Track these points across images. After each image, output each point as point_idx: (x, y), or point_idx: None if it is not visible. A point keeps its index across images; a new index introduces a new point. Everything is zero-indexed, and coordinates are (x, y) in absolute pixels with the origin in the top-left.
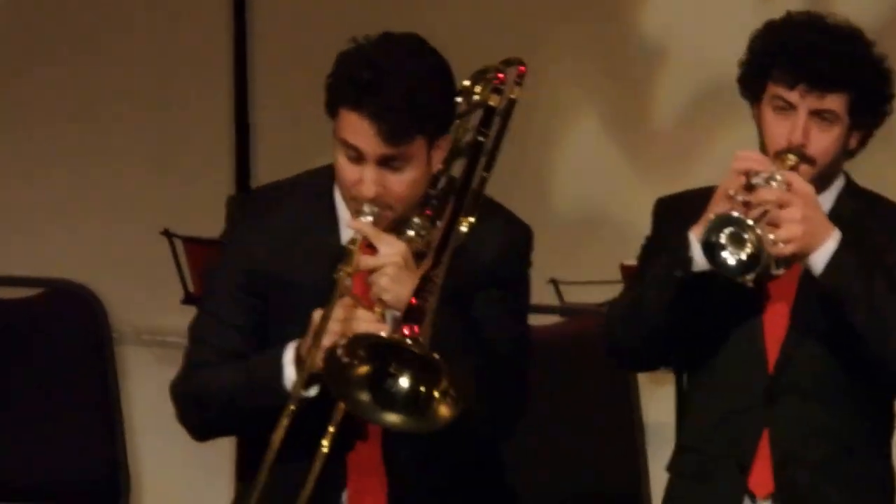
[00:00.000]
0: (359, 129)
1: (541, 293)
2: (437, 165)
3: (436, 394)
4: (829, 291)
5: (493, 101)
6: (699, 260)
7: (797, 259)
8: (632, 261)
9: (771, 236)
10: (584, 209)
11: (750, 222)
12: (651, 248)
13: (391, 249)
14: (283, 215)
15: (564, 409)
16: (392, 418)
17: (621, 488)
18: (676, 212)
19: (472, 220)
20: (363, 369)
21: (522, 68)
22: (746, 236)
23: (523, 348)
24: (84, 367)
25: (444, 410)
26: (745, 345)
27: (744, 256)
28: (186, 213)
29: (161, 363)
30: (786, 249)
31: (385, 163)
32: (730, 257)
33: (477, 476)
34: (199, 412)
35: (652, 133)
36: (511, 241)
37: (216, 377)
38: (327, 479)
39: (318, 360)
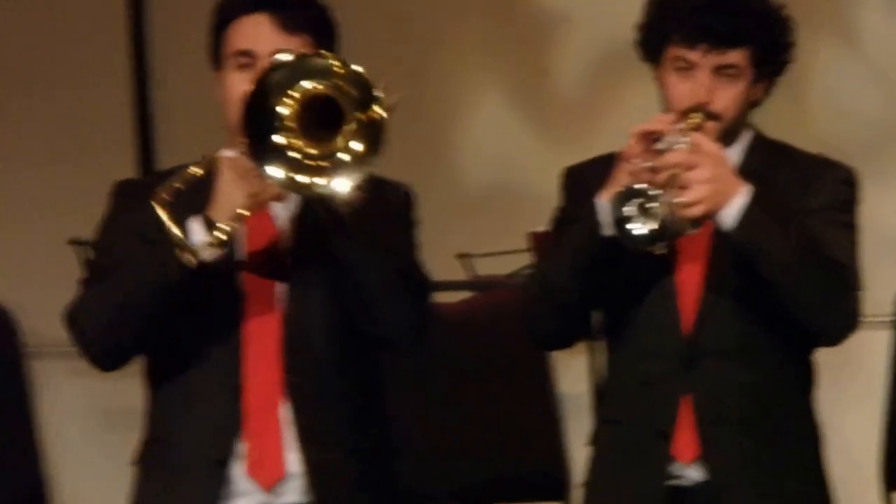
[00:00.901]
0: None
1: (450, 268)
2: None
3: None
4: (742, 247)
5: None
6: (607, 224)
7: (708, 218)
8: (540, 229)
9: (680, 199)
10: (490, 179)
11: (657, 191)
12: (561, 220)
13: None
14: None
15: (479, 385)
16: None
17: (541, 463)
18: (584, 181)
19: None
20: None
21: None
22: (654, 205)
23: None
24: None
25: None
26: (659, 309)
27: (654, 226)
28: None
29: (78, 375)
30: (695, 211)
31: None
32: (639, 228)
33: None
34: (97, 312)
35: (556, 99)
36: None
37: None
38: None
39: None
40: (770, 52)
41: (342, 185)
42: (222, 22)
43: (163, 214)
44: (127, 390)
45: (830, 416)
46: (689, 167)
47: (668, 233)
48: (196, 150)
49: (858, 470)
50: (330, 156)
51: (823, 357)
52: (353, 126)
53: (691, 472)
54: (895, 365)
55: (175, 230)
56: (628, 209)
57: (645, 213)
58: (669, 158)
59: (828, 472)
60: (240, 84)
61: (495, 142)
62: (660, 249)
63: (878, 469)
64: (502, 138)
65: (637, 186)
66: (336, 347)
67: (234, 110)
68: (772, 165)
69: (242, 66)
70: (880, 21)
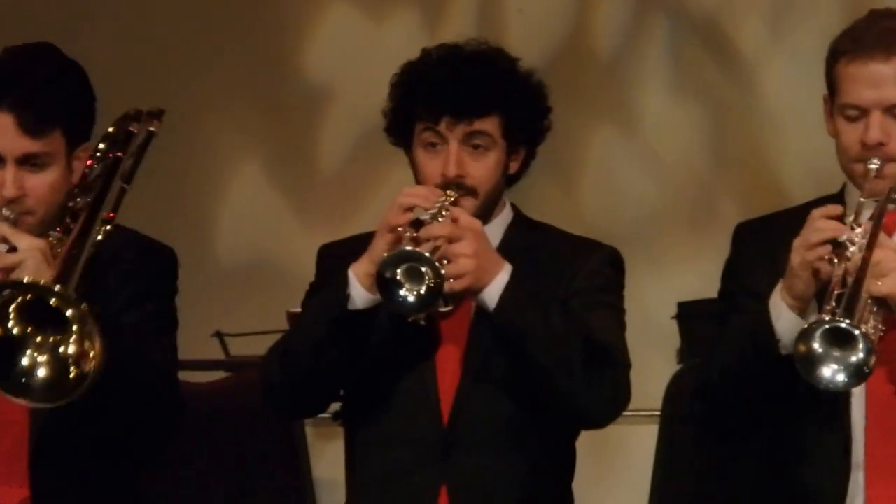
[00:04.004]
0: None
1: (206, 347)
2: (77, 175)
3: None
4: (504, 328)
5: (134, 127)
6: (358, 297)
7: (469, 295)
8: (298, 308)
9: (445, 271)
10: (248, 257)
11: (427, 255)
12: (313, 292)
13: (30, 244)
14: None
15: (231, 467)
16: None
17: None
18: (338, 257)
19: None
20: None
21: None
22: (423, 270)
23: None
24: None
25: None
26: (416, 393)
27: (421, 291)
28: None
29: None
30: (457, 285)
31: (25, 161)
32: (408, 294)
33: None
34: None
35: (316, 177)
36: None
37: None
38: None
39: None
40: (520, 118)
41: None
42: None
43: None
44: None
45: None
46: (453, 240)
47: (436, 300)
48: None
49: None
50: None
51: (587, 451)
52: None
53: None
54: (661, 458)
55: None
56: (396, 272)
57: (412, 277)
58: (432, 229)
59: None
60: None
61: (255, 219)
62: (420, 319)
63: None
64: (262, 216)
65: (411, 249)
66: None
67: None
68: (533, 245)
69: None
70: (661, 106)
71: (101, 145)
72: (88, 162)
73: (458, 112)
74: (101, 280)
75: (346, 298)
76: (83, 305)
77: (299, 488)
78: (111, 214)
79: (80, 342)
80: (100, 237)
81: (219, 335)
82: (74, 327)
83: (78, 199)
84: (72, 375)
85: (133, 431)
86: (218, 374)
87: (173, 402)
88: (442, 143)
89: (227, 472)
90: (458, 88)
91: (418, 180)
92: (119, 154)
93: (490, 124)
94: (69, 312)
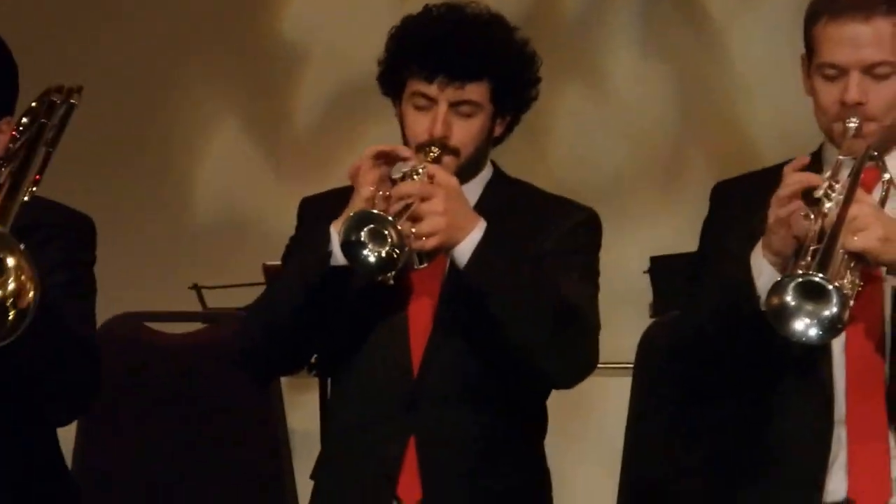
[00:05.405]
0: None
1: (183, 299)
2: (0, 148)
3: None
4: (473, 286)
5: (56, 98)
6: (338, 255)
7: (441, 252)
8: (275, 261)
9: (413, 230)
10: (225, 211)
11: (390, 218)
12: (294, 246)
13: None
14: None
15: (206, 417)
16: None
17: (266, 497)
18: (320, 210)
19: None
20: None
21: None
22: (387, 232)
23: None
24: None
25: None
26: (389, 347)
27: (384, 254)
28: None
29: None
30: (428, 243)
31: None
32: (370, 255)
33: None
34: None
35: (293, 133)
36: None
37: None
38: None
39: None
40: (510, 87)
41: None
42: None
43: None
44: None
45: (566, 464)
46: (424, 198)
47: (398, 263)
48: None
49: None
50: None
51: (559, 403)
52: None
53: None
54: (634, 413)
55: None
56: (362, 233)
57: (377, 239)
58: (403, 188)
59: None
60: None
61: (231, 173)
62: (388, 280)
63: None
64: (238, 170)
65: (372, 211)
66: None
67: None
68: (511, 204)
69: None
70: (631, 65)
71: (25, 119)
72: (13, 133)
73: (451, 74)
74: None
75: (326, 255)
76: (21, 246)
77: (275, 439)
78: (37, 177)
79: (17, 282)
80: (26, 198)
81: (196, 287)
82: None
83: (2, 169)
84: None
85: (45, 394)
86: (195, 326)
87: (87, 366)
88: (432, 103)
89: (202, 422)
90: (454, 49)
91: (404, 134)
92: (43, 121)
93: (479, 91)
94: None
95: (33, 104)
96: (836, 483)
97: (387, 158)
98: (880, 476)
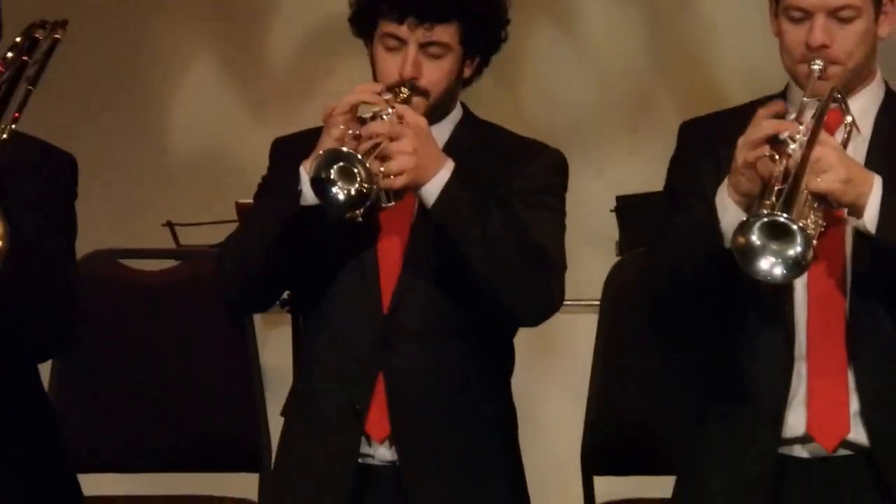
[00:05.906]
0: None
1: (157, 236)
2: None
3: None
4: (439, 223)
5: (40, 34)
6: (308, 194)
7: (409, 190)
8: (248, 199)
9: (382, 168)
10: (199, 149)
11: (359, 156)
12: (266, 186)
13: None
14: None
15: (180, 353)
16: None
17: (238, 433)
18: (291, 151)
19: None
20: None
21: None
22: (356, 170)
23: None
24: None
25: None
26: (359, 284)
27: (352, 191)
28: None
29: None
30: (397, 181)
31: None
32: (339, 192)
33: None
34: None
35: (268, 73)
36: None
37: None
38: None
39: None
40: (480, 29)
41: None
42: None
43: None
44: None
45: (533, 401)
46: (393, 137)
47: (367, 200)
48: None
49: (560, 455)
50: None
51: (527, 340)
52: None
53: (383, 452)
54: (601, 350)
55: None
56: (332, 171)
57: (346, 177)
58: (373, 127)
59: (520, 459)
60: None
61: (205, 112)
62: (356, 217)
63: (581, 454)
64: (212, 108)
65: (342, 149)
66: None
67: None
68: (480, 144)
69: None
70: (600, 5)
71: (9, 54)
72: None
73: (420, 14)
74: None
75: (297, 195)
76: None
77: (248, 375)
78: (17, 115)
79: None
80: (5, 136)
81: (169, 225)
82: None
83: None
84: None
85: (23, 329)
86: (168, 263)
87: (62, 310)
88: (401, 45)
89: (175, 358)
90: None
91: (375, 75)
92: (25, 58)
93: (449, 32)
94: None
95: (17, 39)
96: (796, 418)
97: (360, 102)
98: (839, 412)
